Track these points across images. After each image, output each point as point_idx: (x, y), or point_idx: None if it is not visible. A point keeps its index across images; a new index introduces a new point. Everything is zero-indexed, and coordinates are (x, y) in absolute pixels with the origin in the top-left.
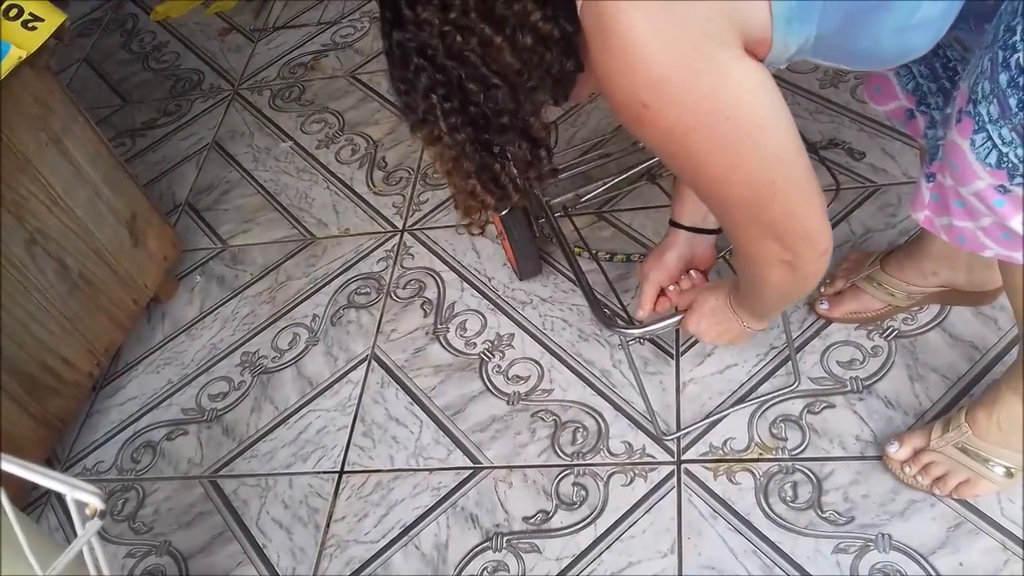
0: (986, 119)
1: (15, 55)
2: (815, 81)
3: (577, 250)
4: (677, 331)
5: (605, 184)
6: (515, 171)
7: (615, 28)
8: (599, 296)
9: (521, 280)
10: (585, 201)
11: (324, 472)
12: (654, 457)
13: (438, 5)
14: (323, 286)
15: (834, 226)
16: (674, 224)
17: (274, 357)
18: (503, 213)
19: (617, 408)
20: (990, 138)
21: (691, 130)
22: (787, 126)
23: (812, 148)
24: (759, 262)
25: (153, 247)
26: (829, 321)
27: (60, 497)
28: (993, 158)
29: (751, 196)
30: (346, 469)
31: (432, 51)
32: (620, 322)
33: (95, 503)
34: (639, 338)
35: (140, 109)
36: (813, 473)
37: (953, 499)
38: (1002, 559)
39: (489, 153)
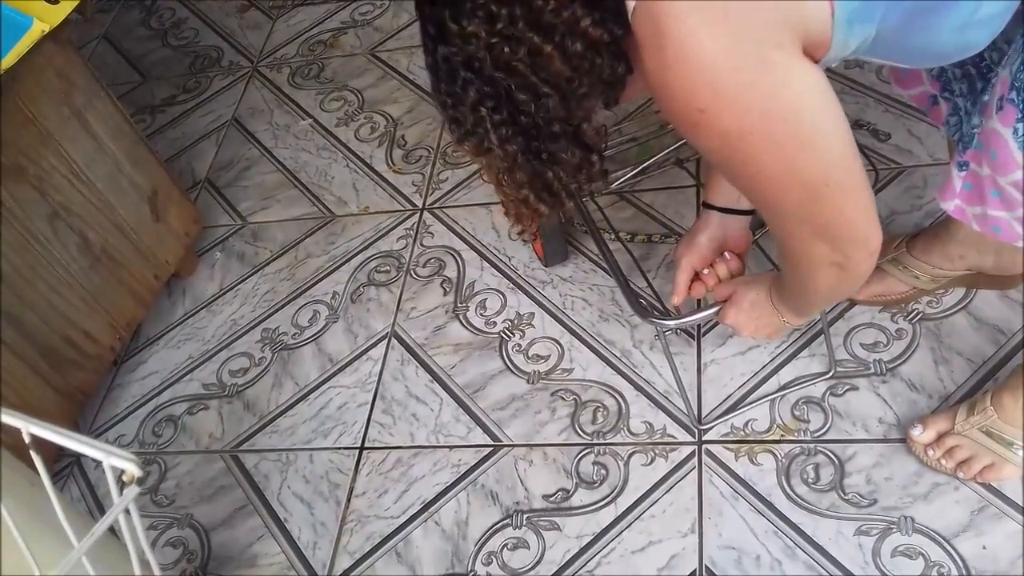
0: None
1: (38, 28)
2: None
3: (601, 231)
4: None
5: (634, 170)
6: (567, 177)
7: (671, 32)
8: (633, 285)
9: (547, 267)
10: (613, 186)
11: (344, 448)
12: (675, 437)
13: (484, 17)
14: (343, 264)
15: None
16: (707, 206)
17: (294, 334)
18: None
19: (638, 388)
20: None
21: (747, 134)
22: (842, 127)
23: None
24: (808, 264)
25: (174, 223)
26: (853, 303)
27: (82, 468)
28: None
29: (804, 198)
30: (366, 445)
31: (479, 63)
32: (656, 312)
33: (132, 469)
34: (674, 329)
35: (159, 86)
36: (836, 455)
37: (977, 483)
38: None
39: (540, 162)
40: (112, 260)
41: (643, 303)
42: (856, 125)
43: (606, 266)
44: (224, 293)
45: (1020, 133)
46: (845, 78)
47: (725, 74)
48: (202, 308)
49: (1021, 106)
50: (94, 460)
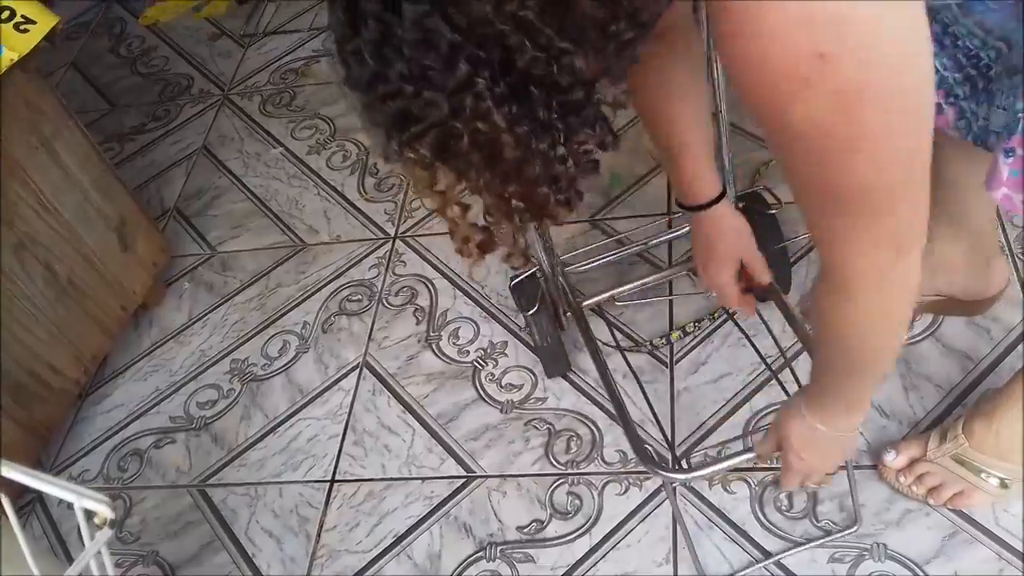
0: None
1: (7, 57)
2: None
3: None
4: (671, 342)
5: (643, 284)
6: (575, 167)
7: None
8: (639, 428)
9: (548, 377)
10: (622, 303)
11: (315, 481)
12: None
13: None
14: (314, 293)
15: None
16: (691, 208)
17: (264, 364)
18: (531, 313)
19: (611, 417)
20: None
21: (865, 90)
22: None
23: None
24: (855, 285)
25: (142, 252)
26: None
27: (45, 504)
28: None
29: (899, 180)
30: (337, 478)
31: (473, 20)
32: (669, 464)
33: (105, 512)
34: (685, 482)
35: (128, 114)
36: None
37: (948, 509)
38: (997, 568)
39: (550, 147)
40: (78, 291)
41: (649, 450)
42: None
43: (611, 408)
44: (192, 323)
45: None
46: None
47: (861, 5)
48: (170, 339)
49: None
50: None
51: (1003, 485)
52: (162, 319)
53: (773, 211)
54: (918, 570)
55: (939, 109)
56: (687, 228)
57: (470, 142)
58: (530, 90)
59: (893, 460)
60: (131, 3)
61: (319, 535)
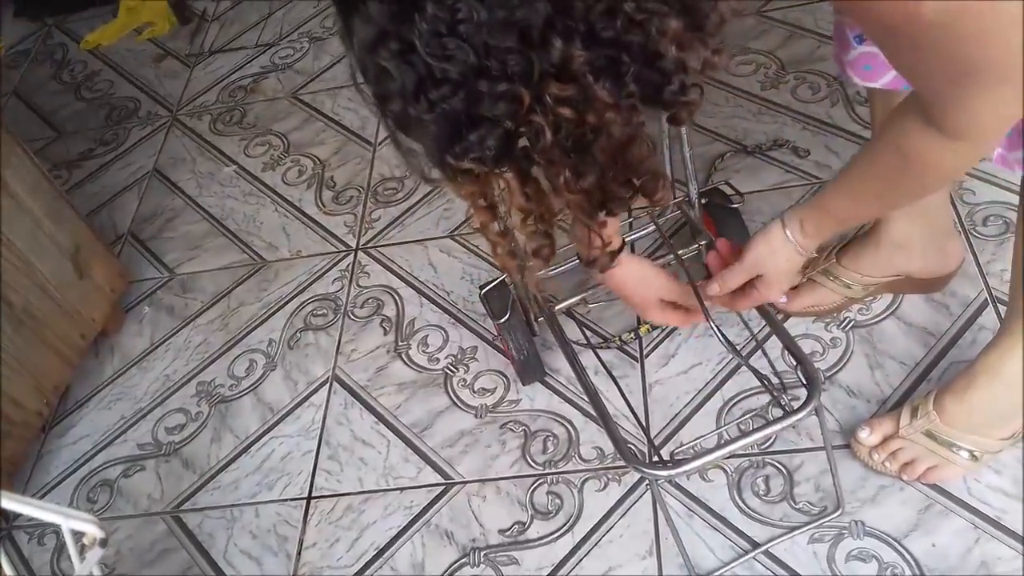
0: None
1: None
2: (756, 84)
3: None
4: (640, 336)
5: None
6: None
7: None
8: (620, 428)
9: (524, 385)
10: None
11: (291, 499)
12: None
13: None
14: (278, 310)
15: None
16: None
17: (231, 385)
18: (503, 321)
19: (586, 414)
20: None
21: None
22: None
23: (759, 149)
24: (973, 134)
25: (99, 279)
26: (787, 316)
27: (14, 540)
28: None
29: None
30: (314, 494)
31: None
32: (652, 459)
33: (94, 531)
34: (669, 479)
35: (75, 140)
36: (784, 466)
37: (922, 483)
38: (973, 538)
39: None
40: (36, 321)
41: (631, 448)
42: (776, 144)
43: (592, 411)
44: (155, 348)
45: None
46: (762, 99)
47: None
48: (132, 365)
49: None
50: (29, 530)
51: (974, 457)
52: (123, 345)
53: (735, 205)
54: (896, 544)
55: None
56: (651, 228)
57: (554, 132)
58: (623, 60)
59: (867, 437)
60: (72, 28)
61: (299, 553)
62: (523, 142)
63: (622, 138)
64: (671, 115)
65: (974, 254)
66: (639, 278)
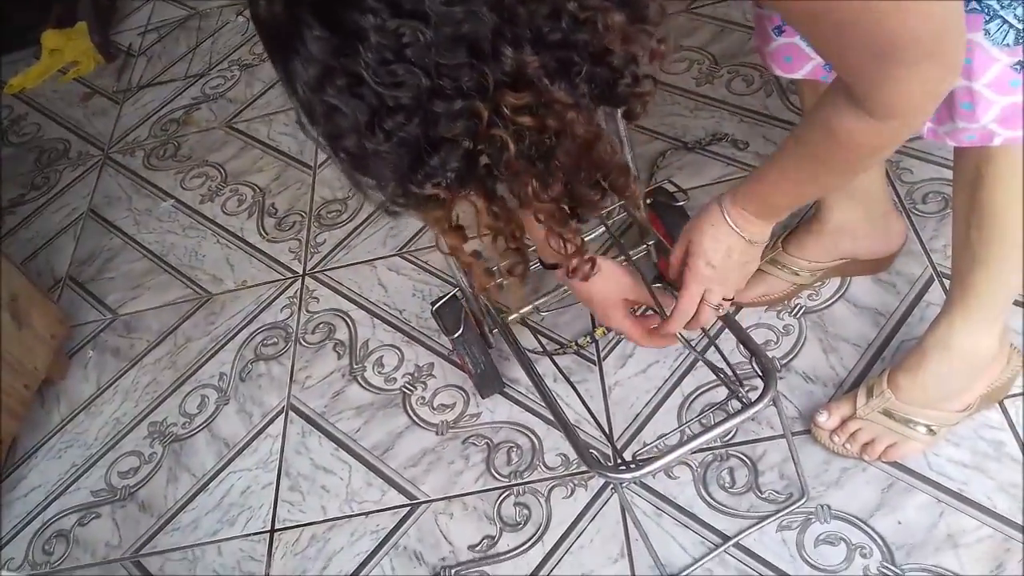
0: (996, 7)
1: None
2: (691, 80)
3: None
4: (596, 340)
5: (565, 290)
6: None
7: None
8: (582, 432)
9: (483, 398)
10: (545, 311)
11: (254, 534)
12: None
13: None
14: (226, 343)
15: None
16: (552, 267)
17: (184, 423)
18: (457, 335)
19: (548, 422)
20: (1005, 22)
21: None
22: None
23: (698, 144)
24: (900, 112)
25: (39, 327)
26: (739, 307)
27: None
28: (1011, 38)
29: (942, 26)
30: (277, 527)
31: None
32: (616, 462)
33: None
34: (634, 480)
35: (5, 187)
36: (747, 456)
37: (883, 462)
38: (937, 512)
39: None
40: None
41: (595, 455)
42: (715, 138)
43: (549, 414)
44: (102, 392)
45: (992, 32)
46: (698, 95)
47: None
48: (80, 411)
49: (986, 10)
50: None
51: (931, 432)
52: (70, 392)
53: (680, 203)
54: (863, 524)
55: (829, 67)
56: (601, 229)
57: (517, 143)
58: (574, 60)
59: (826, 421)
60: None
61: None
62: (485, 160)
63: (587, 136)
64: (626, 111)
65: (916, 232)
66: (605, 275)
